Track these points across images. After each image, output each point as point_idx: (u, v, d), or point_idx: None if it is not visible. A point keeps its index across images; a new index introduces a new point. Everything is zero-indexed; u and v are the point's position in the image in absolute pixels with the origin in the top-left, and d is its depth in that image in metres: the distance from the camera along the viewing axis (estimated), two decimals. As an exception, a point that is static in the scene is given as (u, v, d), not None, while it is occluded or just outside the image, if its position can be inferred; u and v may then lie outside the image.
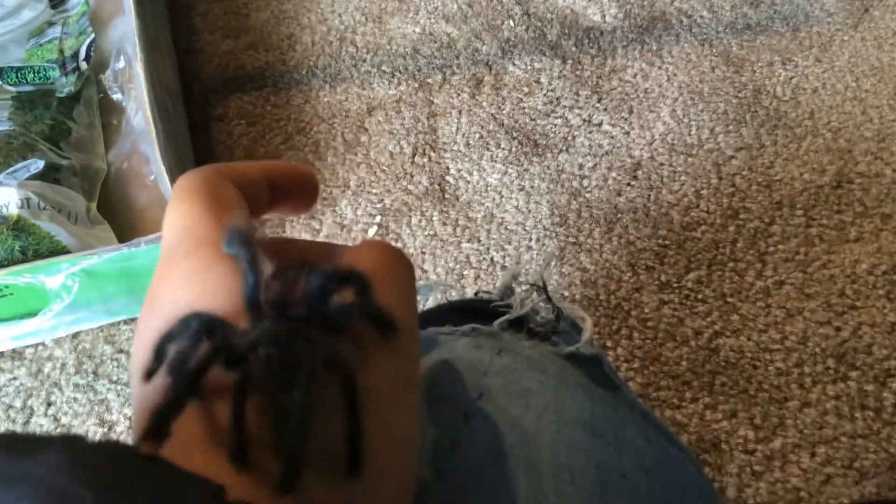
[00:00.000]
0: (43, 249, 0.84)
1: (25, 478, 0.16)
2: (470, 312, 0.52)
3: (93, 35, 1.10)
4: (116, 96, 1.08)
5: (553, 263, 0.88)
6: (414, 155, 1.06)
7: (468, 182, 1.02)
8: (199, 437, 0.20)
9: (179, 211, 0.25)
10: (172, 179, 0.89)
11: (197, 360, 0.20)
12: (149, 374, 0.22)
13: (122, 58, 1.10)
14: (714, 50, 1.14)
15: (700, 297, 0.85)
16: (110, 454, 0.18)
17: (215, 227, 0.24)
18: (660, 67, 1.13)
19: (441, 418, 0.44)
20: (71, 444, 0.18)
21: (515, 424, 0.42)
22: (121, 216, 0.96)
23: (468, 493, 0.39)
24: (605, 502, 0.40)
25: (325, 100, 1.16)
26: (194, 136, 1.13)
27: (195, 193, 0.26)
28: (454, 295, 0.88)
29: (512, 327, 0.50)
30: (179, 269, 0.24)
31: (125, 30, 1.10)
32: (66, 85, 1.04)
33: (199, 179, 0.26)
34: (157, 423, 0.19)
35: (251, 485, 0.19)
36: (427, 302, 0.76)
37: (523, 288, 0.54)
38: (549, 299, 0.54)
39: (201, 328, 0.21)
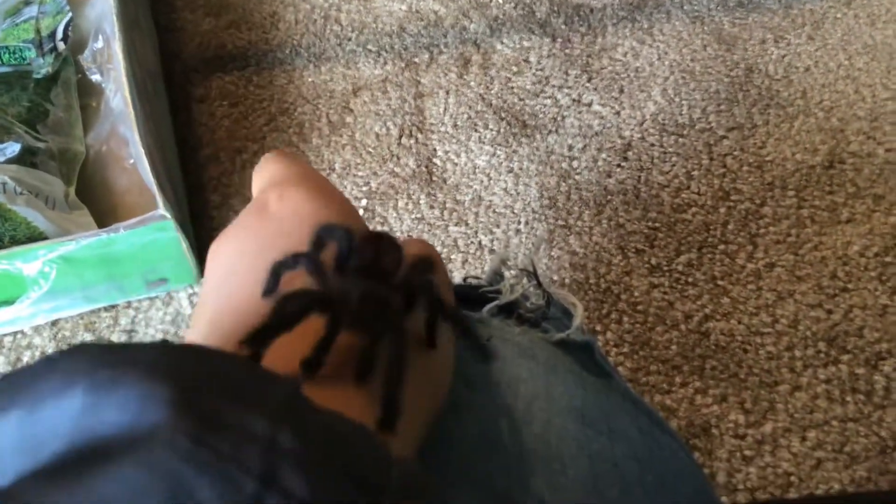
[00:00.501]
0: (20, 235, 0.82)
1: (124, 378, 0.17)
2: (458, 299, 0.51)
3: (70, 14, 1.07)
4: (95, 77, 1.06)
5: (543, 248, 0.87)
6: (400, 136, 1.04)
7: (456, 164, 1.00)
8: (290, 357, 0.22)
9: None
10: (152, 162, 0.87)
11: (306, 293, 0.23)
12: (267, 292, 0.25)
13: (100, 37, 1.07)
14: (706, 28, 1.12)
15: (690, 280, 0.84)
16: (197, 352, 0.19)
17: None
18: (651, 46, 1.11)
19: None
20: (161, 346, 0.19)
21: (505, 414, 0.41)
22: (100, 200, 0.94)
23: (458, 489, 0.38)
24: (596, 493, 0.40)
25: (310, 80, 1.13)
26: (175, 117, 1.10)
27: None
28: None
29: (501, 313, 0.49)
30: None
31: (103, 8, 1.07)
32: (43, 66, 1.01)
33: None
34: (261, 334, 0.21)
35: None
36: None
37: (512, 273, 0.53)
38: (539, 284, 0.53)
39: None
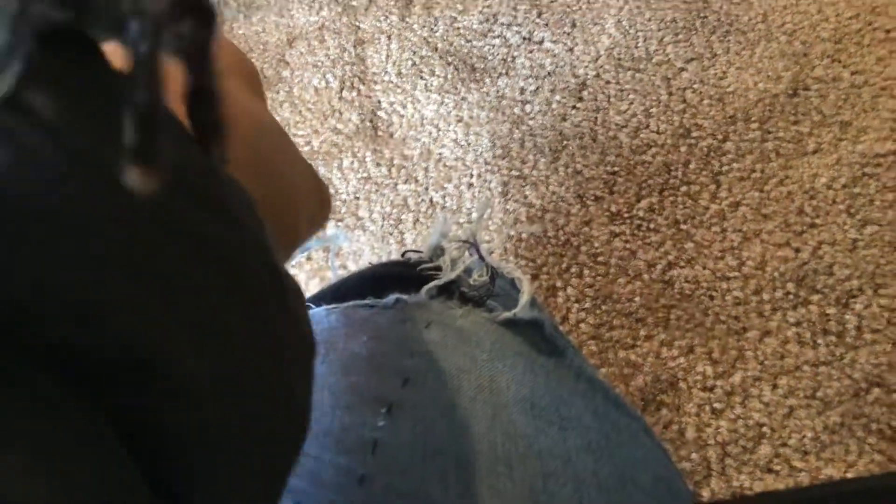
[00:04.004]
0: None
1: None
2: (393, 280, 0.47)
3: None
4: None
5: (487, 214, 0.82)
6: (341, 89, 0.97)
7: (402, 116, 0.94)
8: None
9: None
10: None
11: None
12: None
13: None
14: (659, -50, 1.05)
15: (652, 226, 0.80)
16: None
17: None
18: (602, -26, 1.04)
19: (359, 413, 0.39)
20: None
21: (445, 413, 0.38)
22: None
23: (391, 501, 0.35)
24: (546, 494, 0.36)
25: (241, 32, 1.06)
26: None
27: None
28: (372, 258, 0.82)
29: (442, 294, 0.45)
30: None
31: None
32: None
33: None
34: None
35: None
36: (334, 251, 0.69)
37: (454, 246, 0.48)
38: (481, 258, 0.48)
39: None
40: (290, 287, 0.19)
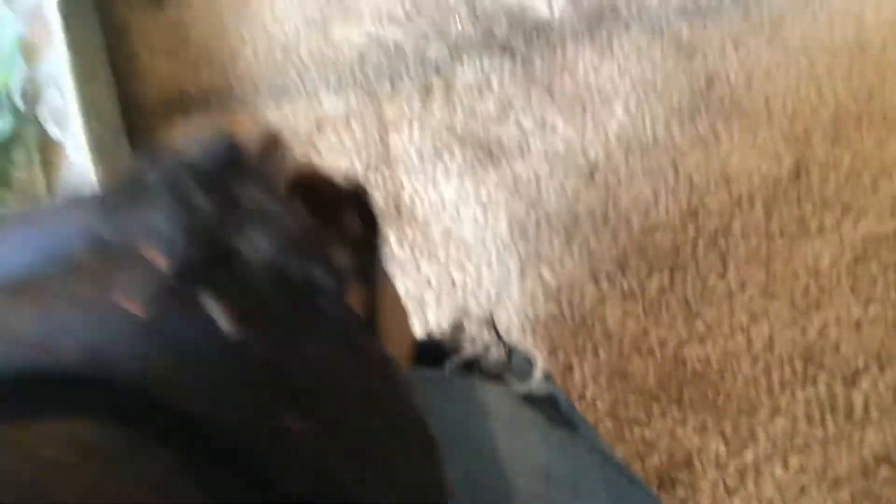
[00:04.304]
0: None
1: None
2: (419, 357, 0.51)
3: (26, 70, 1.05)
4: (55, 132, 1.04)
5: (505, 293, 0.86)
6: (366, 172, 1.03)
7: (423, 198, 0.99)
8: None
9: None
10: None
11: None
12: None
13: (56, 92, 1.05)
14: (665, 38, 1.12)
15: (663, 304, 0.84)
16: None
17: None
18: (611, 60, 1.10)
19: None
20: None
21: (467, 484, 0.41)
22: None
23: None
24: None
25: (272, 118, 1.12)
26: (139, 168, 1.09)
27: None
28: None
29: (463, 369, 0.48)
30: None
31: (59, 62, 1.05)
32: (3, 130, 1.00)
33: None
34: None
35: None
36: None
37: (474, 324, 0.53)
38: (499, 337, 0.52)
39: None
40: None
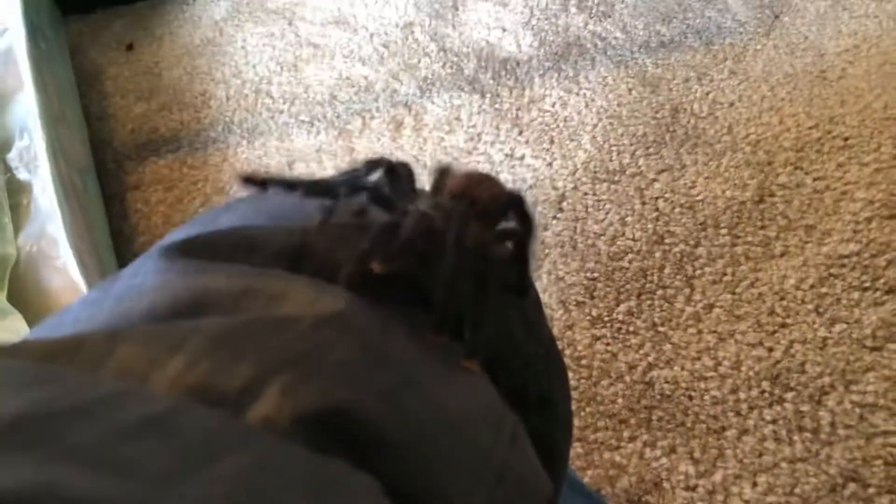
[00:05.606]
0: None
1: None
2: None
3: (-7, 114, 1.06)
4: (23, 176, 1.04)
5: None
6: (336, 206, 1.03)
7: (393, 230, 0.99)
8: None
9: None
10: (81, 262, 0.85)
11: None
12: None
13: (25, 135, 1.06)
14: (630, 71, 1.14)
15: (632, 328, 0.84)
16: None
17: None
18: (577, 94, 1.12)
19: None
20: None
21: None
22: (33, 302, 0.92)
23: None
24: None
25: (244, 156, 1.13)
26: (109, 207, 1.09)
27: None
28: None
29: None
30: None
31: (28, 105, 1.06)
32: (-32, 170, 1.00)
33: None
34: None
35: None
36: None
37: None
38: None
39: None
40: None
